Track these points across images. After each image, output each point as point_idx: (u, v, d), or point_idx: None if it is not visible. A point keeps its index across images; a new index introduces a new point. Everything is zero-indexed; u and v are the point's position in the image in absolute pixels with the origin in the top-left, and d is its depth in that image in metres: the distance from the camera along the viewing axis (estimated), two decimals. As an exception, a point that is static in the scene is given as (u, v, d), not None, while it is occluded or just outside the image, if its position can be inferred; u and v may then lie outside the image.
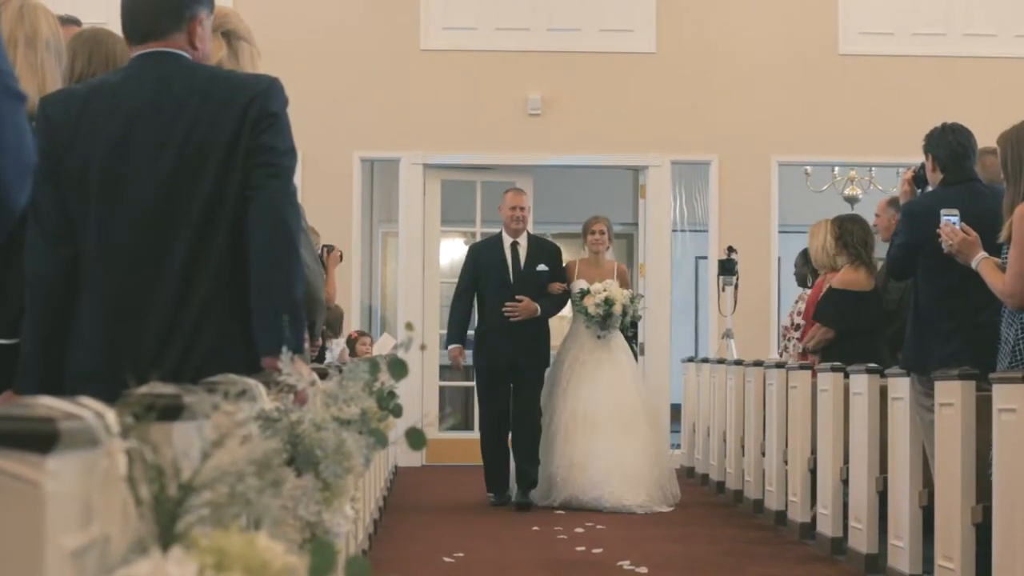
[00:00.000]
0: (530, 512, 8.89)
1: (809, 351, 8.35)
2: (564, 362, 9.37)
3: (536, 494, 9.10)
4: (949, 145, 6.09)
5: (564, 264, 9.60)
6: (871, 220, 8.64)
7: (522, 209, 9.51)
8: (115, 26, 3.38)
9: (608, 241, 9.65)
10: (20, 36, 3.39)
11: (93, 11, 6.46)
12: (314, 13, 12.20)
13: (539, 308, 9.25)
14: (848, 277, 8.21)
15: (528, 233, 9.58)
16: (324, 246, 8.59)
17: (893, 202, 8.06)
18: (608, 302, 9.22)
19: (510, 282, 9.33)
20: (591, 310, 9.23)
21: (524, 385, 9.25)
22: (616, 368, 9.28)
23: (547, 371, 9.45)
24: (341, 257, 9.01)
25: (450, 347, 9.53)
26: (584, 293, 9.28)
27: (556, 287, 9.38)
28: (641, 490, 8.91)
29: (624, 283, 9.52)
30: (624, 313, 9.31)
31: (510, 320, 9.19)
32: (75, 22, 4.23)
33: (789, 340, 9.31)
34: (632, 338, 9.92)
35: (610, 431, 9.01)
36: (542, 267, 9.39)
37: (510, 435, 9.35)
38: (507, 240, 9.49)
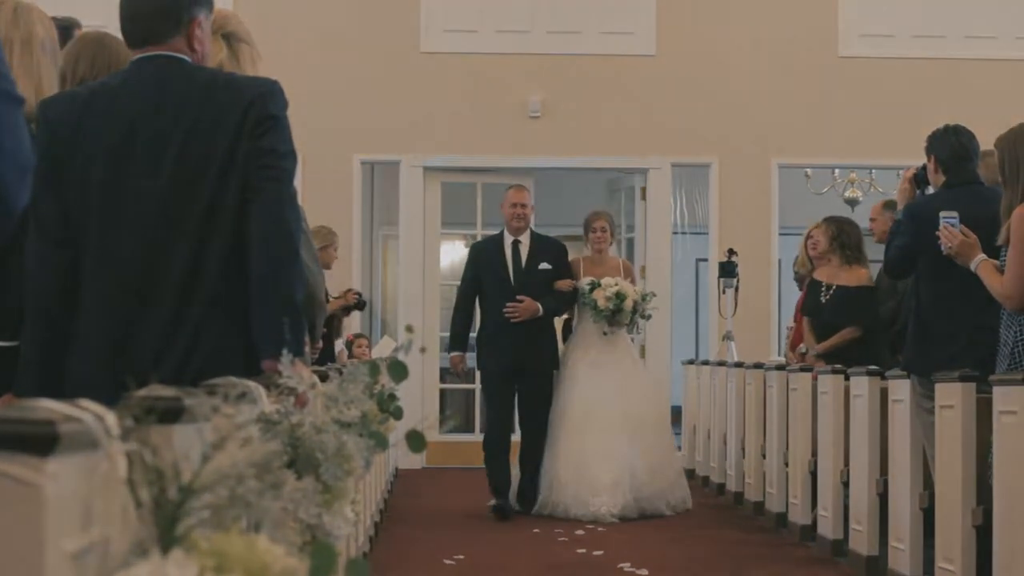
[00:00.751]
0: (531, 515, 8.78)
1: (819, 355, 8.25)
2: (568, 362, 9.10)
3: (539, 499, 8.80)
4: (951, 147, 6.08)
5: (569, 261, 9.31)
6: (867, 222, 8.69)
7: (523, 206, 9.20)
8: (113, 29, 3.38)
9: (611, 237, 9.39)
10: (15, 38, 3.38)
11: (92, 14, 6.45)
12: (314, 16, 12.21)
13: (541, 308, 8.94)
14: (857, 274, 8.24)
15: (531, 231, 9.27)
16: (349, 290, 9.04)
17: (889, 205, 8.09)
18: (620, 296, 8.95)
19: (511, 282, 9.04)
20: (601, 303, 8.93)
21: (529, 389, 8.96)
22: (622, 370, 9.04)
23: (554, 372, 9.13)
24: (358, 303, 9.13)
25: (451, 354, 9.28)
26: (594, 286, 8.99)
27: (564, 284, 9.07)
28: (648, 498, 8.72)
29: (630, 280, 9.25)
30: (634, 310, 9.04)
31: (511, 321, 8.91)
32: (76, 25, 4.23)
33: None
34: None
35: (616, 435, 8.75)
36: (545, 265, 9.07)
37: (517, 441, 9.08)
38: (508, 239, 9.20)
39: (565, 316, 9.54)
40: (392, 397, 2.98)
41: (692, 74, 12.34)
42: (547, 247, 9.25)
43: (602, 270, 9.19)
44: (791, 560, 7.24)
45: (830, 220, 8.69)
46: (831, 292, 8.36)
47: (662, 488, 8.84)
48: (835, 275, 8.40)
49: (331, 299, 9.33)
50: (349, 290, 9.37)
